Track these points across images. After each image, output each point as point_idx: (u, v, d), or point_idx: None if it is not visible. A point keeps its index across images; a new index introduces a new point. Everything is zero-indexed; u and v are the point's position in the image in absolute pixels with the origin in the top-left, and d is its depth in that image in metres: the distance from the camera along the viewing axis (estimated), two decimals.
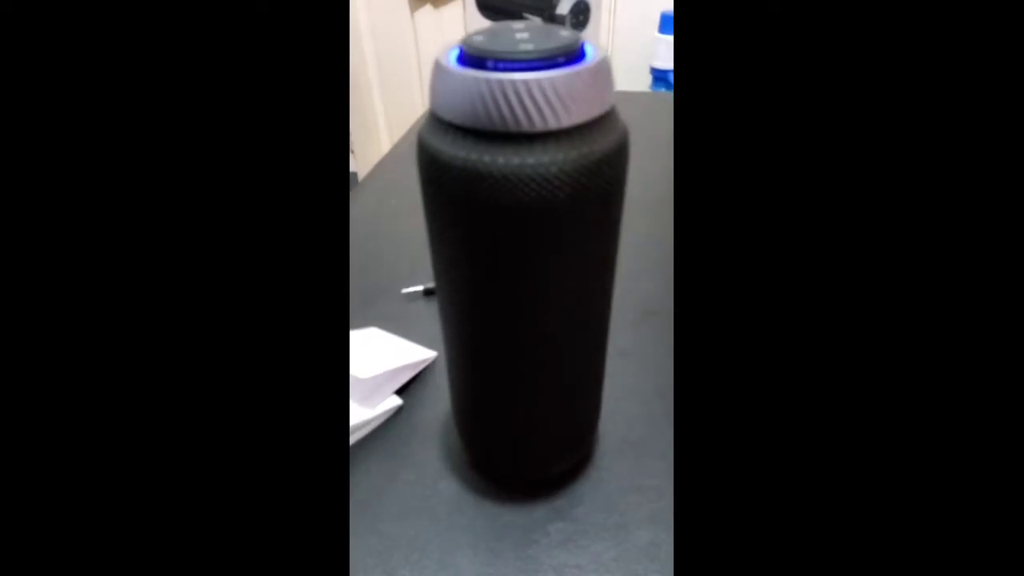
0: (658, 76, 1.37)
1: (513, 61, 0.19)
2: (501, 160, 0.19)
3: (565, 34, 0.21)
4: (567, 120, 0.19)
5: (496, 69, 0.19)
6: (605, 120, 0.21)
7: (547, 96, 0.19)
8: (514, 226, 0.21)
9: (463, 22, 0.64)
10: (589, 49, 0.21)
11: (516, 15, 0.58)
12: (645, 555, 0.27)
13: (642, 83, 1.37)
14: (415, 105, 1.21)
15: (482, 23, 0.67)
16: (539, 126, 0.19)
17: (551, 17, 0.56)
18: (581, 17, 0.56)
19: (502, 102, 0.19)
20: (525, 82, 0.19)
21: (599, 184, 0.21)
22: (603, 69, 0.20)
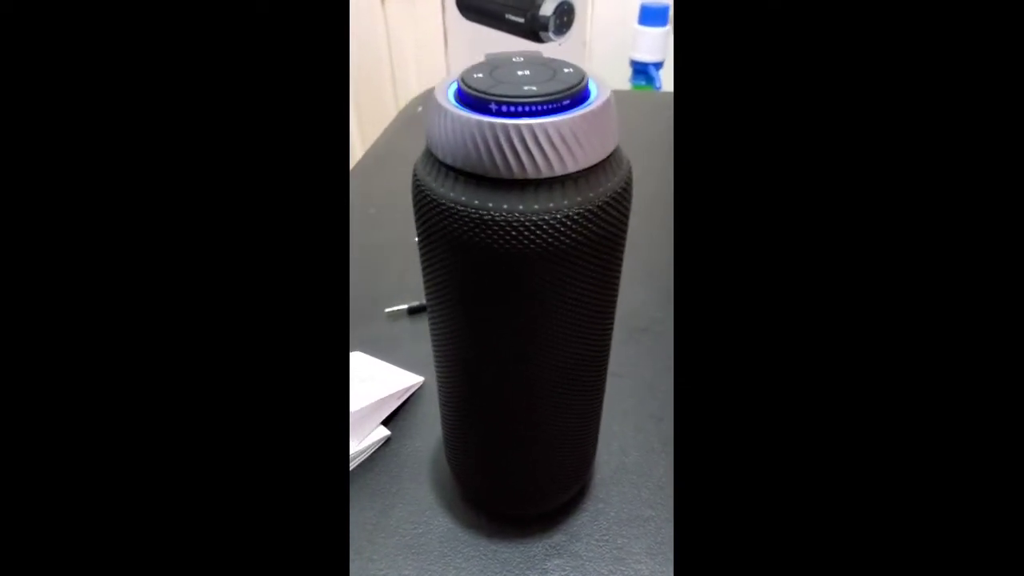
0: (638, 68, 1.35)
1: (518, 104, 0.18)
2: (505, 207, 0.18)
3: (568, 71, 0.19)
4: (573, 166, 0.18)
5: (500, 114, 0.18)
6: (610, 161, 0.20)
7: (554, 142, 0.18)
8: (515, 272, 0.20)
9: (441, 17, 0.62)
10: (593, 87, 0.20)
11: (498, 16, 0.56)
12: None
13: (621, 75, 1.36)
14: (387, 104, 1.18)
15: (461, 20, 0.64)
16: (545, 173, 0.18)
17: (534, 18, 0.54)
18: (565, 18, 0.55)
19: (507, 149, 0.18)
20: (531, 128, 0.17)
21: (604, 228, 0.20)
22: (609, 109, 0.19)
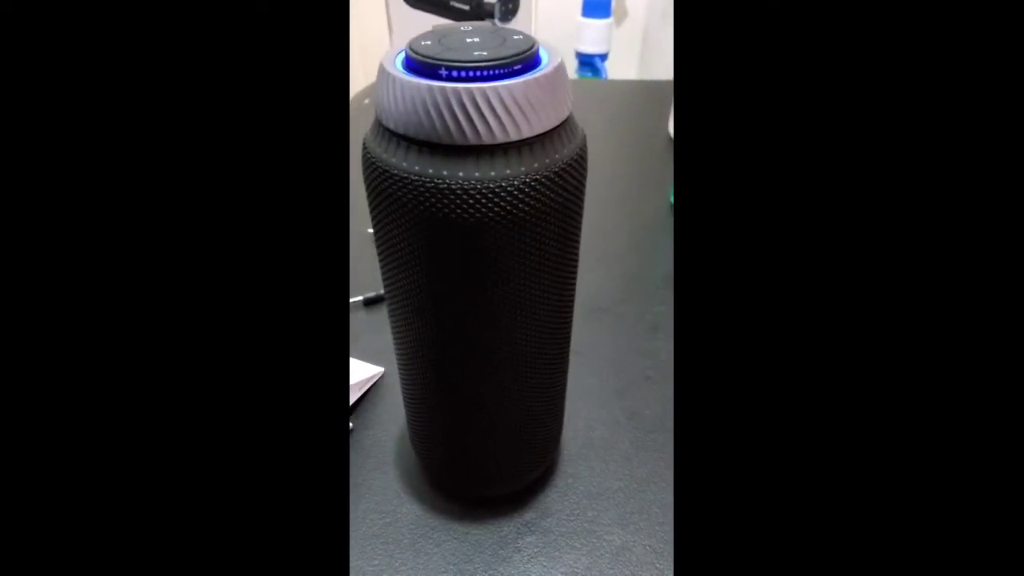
0: (584, 60, 1.37)
1: (469, 69, 0.17)
2: (461, 175, 0.18)
3: (518, 38, 0.19)
4: (528, 131, 0.18)
5: (450, 79, 0.17)
6: (565, 127, 0.20)
7: (507, 106, 0.17)
8: (474, 242, 0.19)
9: (384, 7, 0.61)
10: (544, 54, 0.19)
11: (443, 3, 0.55)
12: (617, 559, 0.27)
13: (567, 68, 1.37)
14: None
15: (405, 9, 0.63)
16: (500, 138, 0.18)
17: (479, 4, 0.54)
18: (511, 5, 0.55)
19: (460, 113, 0.17)
20: (483, 91, 0.17)
21: (562, 195, 0.20)
22: (561, 74, 0.19)
